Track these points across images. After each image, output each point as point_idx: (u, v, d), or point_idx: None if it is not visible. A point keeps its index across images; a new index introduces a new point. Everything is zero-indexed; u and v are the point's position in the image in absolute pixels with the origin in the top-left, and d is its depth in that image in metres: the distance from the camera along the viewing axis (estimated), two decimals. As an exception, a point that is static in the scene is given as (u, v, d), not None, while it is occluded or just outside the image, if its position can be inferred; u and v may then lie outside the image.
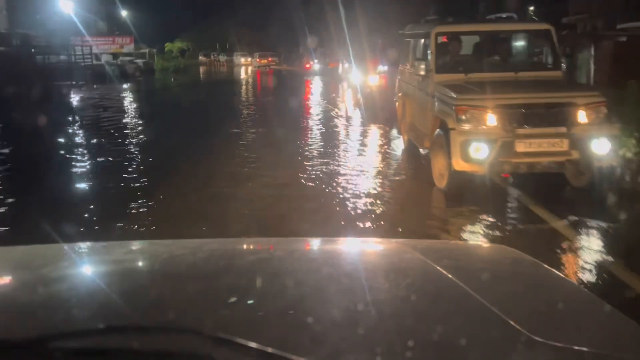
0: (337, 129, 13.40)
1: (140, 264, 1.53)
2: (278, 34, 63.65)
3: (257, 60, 54.58)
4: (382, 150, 10.37)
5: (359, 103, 16.69)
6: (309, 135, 12.33)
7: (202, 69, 54.11)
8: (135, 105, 21.42)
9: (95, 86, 28.49)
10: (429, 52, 7.79)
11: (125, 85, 28.67)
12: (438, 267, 1.35)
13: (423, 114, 7.85)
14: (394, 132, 11.31)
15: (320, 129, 13.51)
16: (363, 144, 11.05)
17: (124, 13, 52.07)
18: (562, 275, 1.65)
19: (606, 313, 1.18)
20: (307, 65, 45.04)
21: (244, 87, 31.63)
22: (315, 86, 29.34)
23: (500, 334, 1.03)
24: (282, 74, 42.25)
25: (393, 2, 36.00)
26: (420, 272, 1.40)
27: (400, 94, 9.88)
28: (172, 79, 35.43)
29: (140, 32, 55.74)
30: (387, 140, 11.22)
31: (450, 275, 1.29)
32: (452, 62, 7.69)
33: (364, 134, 12.30)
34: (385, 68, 19.90)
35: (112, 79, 32.80)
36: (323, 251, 1.69)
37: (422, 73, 7.58)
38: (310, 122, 15.08)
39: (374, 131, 12.36)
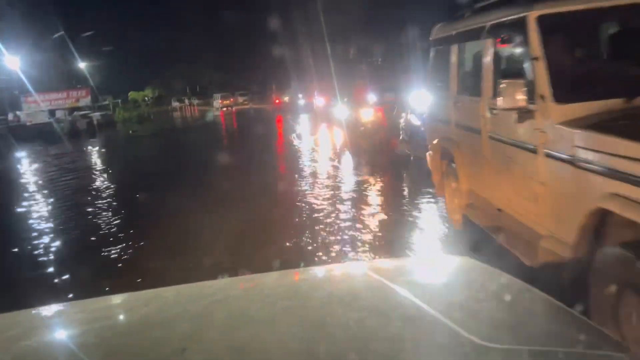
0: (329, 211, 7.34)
1: (108, 320, 1.44)
2: (249, 72, 60.26)
3: (220, 101, 50.88)
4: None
5: (351, 150, 12.52)
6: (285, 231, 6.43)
7: (171, 115, 50.23)
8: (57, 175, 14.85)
9: (39, 148, 24.43)
10: (527, 60, 3.66)
11: (71, 144, 24.45)
12: (392, 285, 1.36)
13: (524, 191, 3.76)
14: (429, 203, 7.14)
15: (304, 209, 7.55)
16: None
17: (81, 65, 48.01)
18: (522, 282, 1.40)
19: (560, 314, 1.21)
20: (277, 101, 41.03)
21: (208, 132, 27.44)
22: (286, 126, 25.26)
23: (453, 344, 1.04)
24: (249, 114, 38.32)
25: (370, 21, 32.50)
26: (374, 292, 1.40)
27: (441, 143, 5.70)
28: (131, 131, 31.14)
29: (103, 84, 51.99)
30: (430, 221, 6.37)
31: (402, 292, 1.30)
32: (586, 76, 3.57)
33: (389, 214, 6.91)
34: (377, 99, 16.14)
35: (60, 138, 28.66)
36: (280, 285, 1.63)
37: (514, 105, 3.49)
38: (284, 193, 9.03)
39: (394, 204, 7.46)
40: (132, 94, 54.99)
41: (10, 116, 38.83)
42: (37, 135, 29.22)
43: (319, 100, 25.71)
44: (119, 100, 53.65)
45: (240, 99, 53.43)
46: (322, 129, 19.17)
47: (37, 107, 41.36)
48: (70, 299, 4.51)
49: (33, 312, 1.54)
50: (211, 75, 75.10)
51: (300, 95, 29.97)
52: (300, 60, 44.77)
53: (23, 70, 39.88)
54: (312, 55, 35.91)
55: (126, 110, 43.32)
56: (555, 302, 1.25)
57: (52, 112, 38.41)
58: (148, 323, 1.33)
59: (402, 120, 10.34)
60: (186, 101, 67.01)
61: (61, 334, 1.38)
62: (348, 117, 15.27)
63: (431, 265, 1.84)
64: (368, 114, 14.28)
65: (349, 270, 1.89)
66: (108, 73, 53.57)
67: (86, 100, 41.72)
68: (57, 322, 1.48)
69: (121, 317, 1.46)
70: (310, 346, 1.08)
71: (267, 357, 1.05)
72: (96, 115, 37.72)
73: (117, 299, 1.68)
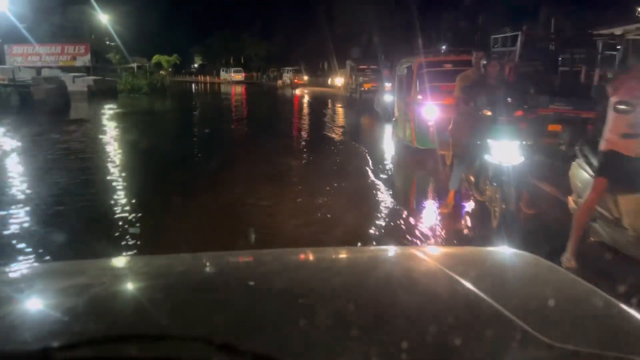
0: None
1: (145, 278, 1.49)
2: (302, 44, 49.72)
3: (232, 75, 51.95)
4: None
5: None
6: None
7: (188, 89, 40.89)
8: None
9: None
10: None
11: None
12: (453, 274, 1.33)
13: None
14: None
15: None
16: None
17: (103, 18, 38.43)
18: (577, 278, 1.42)
19: (620, 315, 1.18)
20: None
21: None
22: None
23: (516, 339, 1.02)
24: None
25: None
26: (434, 279, 1.40)
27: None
28: (107, 108, 21.49)
29: (135, 44, 42.91)
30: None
31: (465, 282, 1.27)
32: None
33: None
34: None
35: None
36: (334, 261, 1.68)
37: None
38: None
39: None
40: (156, 57, 45.59)
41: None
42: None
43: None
44: (148, 64, 44.86)
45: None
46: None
47: (23, 62, 32.45)
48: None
49: (82, 263, 1.68)
50: (257, 47, 65.66)
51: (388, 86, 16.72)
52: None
53: (14, 11, 30.67)
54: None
55: (136, 77, 33.70)
56: (620, 305, 1.20)
57: (38, 71, 29.32)
58: (200, 285, 1.35)
59: None
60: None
61: (130, 286, 1.43)
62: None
63: (490, 257, 1.80)
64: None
65: (404, 252, 1.88)
66: (140, 33, 44.60)
67: (84, 59, 32.49)
68: (126, 273, 1.56)
69: (171, 277, 1.44)
70: (369, 326, 1.07)
71: (319, 332, 1.04)
72: (87, 80, 28.33)
73: (166, 259, 1.68)
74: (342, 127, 16.80)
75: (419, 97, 8.75)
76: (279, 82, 47.99)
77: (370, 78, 28.00)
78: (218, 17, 74.20)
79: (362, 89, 28.03)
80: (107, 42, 40.85)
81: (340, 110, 23.66)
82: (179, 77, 65.74)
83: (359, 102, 26.12)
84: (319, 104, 27.46)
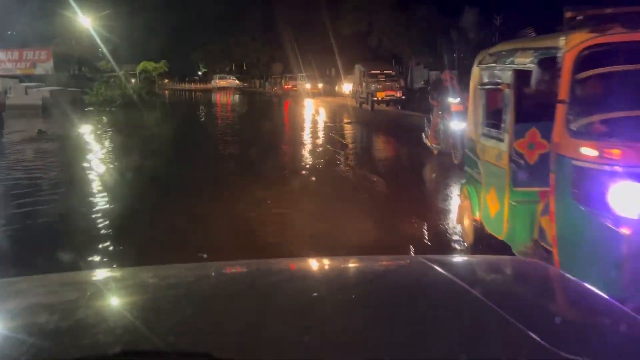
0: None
1: (156, 289, 1.44)
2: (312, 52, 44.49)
3: (217, 82, 50.52)
4: None
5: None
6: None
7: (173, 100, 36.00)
8: None
9: None
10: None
11: None
12: (464, 284, 1.31)
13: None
14: None
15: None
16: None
17: (84, 21, 33.41)
18: (590, 287, 1.37)
19: (635, 325, 1.16)
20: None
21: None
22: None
23: (529, 352, 0.99)
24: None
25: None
26: (444, 290, 1.35)
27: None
28: (38, 131, 16.09)
29: (124, 50, 38.05)
30: None
31: (476, 293, 1.24)
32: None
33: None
34: None
35: None
36: (341, 270, 1.67)
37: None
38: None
39: None
40: (143, 64, 40.69)
41: None
42: None
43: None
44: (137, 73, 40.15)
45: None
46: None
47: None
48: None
49: (94, 273, 1.80)
50: (259, 53, 60.98)
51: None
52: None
53: None
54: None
55: (110, 86, 28.72)
56: (635, 316, 1.18)
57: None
58: (212, 296, 1.33)
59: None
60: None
61: (133, 298, 1.38)
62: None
63: (501, 266, 1.74)
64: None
65: (413, 261, 1.83)
66: (131, 39, 39.72)
67: (45, 66, 27.53)
68: (130, 284, 1.49)
69: (181, 287, 1.41)
70: (381, 335, 1.06)
71: (331, 344, 1.03)
72: (42, 92, 23.44)
73: (175, 269, 1.64)
74: (350, 169, 10.34)
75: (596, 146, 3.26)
76: (275, 88, 43.85)
77: (385, 85, 22.92)
78: (220, 21, 69.36)
79: (375, 98, 22.93)
80: (99, 49, 36.28)
81: (348, 130, 17.84)
82: (181, 85, 62.68)
83: (370, 117, 20.94)
84: (319, 118, 22.26)
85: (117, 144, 14.32)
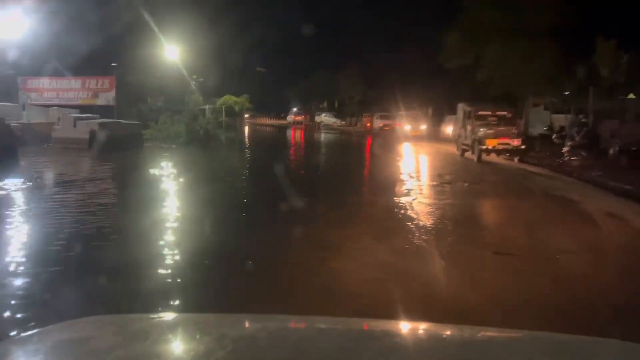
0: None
1: (217, 339, 1.44)
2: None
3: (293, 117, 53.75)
4: None
5: None
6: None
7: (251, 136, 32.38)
8: None
9: None
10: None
11: None
12: None
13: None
14: None
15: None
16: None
17: (168, 47, 30.88)
18: None
19: None
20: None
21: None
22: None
23: None
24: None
25: None
26: None
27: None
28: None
29: (217, 83, 35.81)
30: None
31: None
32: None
33: None
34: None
35: None
36: (400, 336, 1.56)
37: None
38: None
39: None
40: (226, 98, 37.94)
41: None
42: None
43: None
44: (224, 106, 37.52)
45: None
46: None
47: (38, 98, 25.65)
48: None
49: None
50: (352, 90, 57.33)
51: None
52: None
53: (40, 32, 23.87)
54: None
55: (176, 121, 25.59)
56: None
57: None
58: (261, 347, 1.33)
59: None
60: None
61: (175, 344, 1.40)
62: None
63: (583, 348, 1.52)
64: None
65: (473, 333, 1.63)
66: (212, 73, 37.41)
67: (107, 97, 24.97)
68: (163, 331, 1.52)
69: (224, 339, 1.42)
70: None
71: None
72: (91, 124, 20.54)
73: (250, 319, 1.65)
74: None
75: None
76: (367, 125, 40.26)
77: (498, 131, 17.64)
78: (314, 58, 67.02)
79: (483, 146, 17.68)
80: (192, 82, 34.06)
81: (445, 195, 12.76)
82: (272, 121, 62.04)
83: (478, 171, 15.73)
84: (405, 167, 17.34)
85: (125, 202, 10.23)
